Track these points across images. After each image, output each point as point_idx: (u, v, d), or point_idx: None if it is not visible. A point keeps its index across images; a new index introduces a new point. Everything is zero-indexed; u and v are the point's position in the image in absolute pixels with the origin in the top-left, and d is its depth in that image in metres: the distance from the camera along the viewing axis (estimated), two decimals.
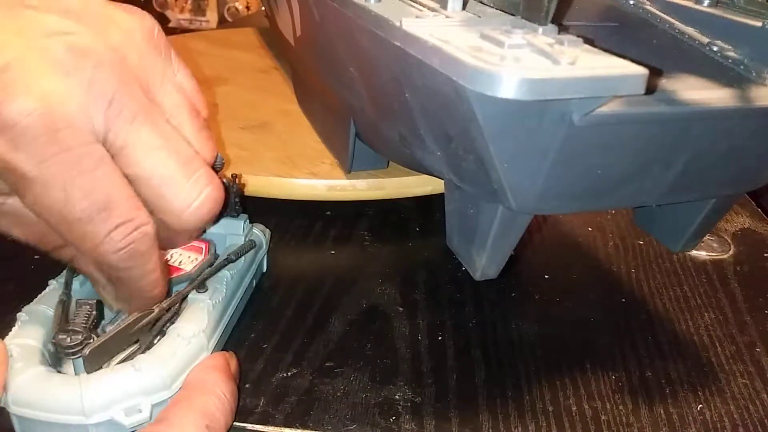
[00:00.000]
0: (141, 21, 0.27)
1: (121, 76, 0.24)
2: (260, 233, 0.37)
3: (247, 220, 0.35)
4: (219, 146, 0.44)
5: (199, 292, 0.30)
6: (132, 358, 0.27)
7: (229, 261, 0.32)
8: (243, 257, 0.33)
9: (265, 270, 0.38)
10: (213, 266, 0.32)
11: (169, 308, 0.29)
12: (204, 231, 0.34)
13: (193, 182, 0.25)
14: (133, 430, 0.26)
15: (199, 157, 0.26)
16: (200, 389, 0.26)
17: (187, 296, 0.30)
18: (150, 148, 0.25)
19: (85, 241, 0.24)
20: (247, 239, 0.35)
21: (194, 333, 0.28)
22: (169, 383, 0.26)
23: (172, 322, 0.29)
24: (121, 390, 0.25)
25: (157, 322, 0.29)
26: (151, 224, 0.25)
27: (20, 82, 0.22)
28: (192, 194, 0.25)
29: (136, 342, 0.28)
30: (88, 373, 0.26)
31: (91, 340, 0.26)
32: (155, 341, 0.28)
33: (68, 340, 0.26)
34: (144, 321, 0.28)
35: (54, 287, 0.30)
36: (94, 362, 0.26)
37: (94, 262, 0.26)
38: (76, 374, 0.26)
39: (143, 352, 0.27)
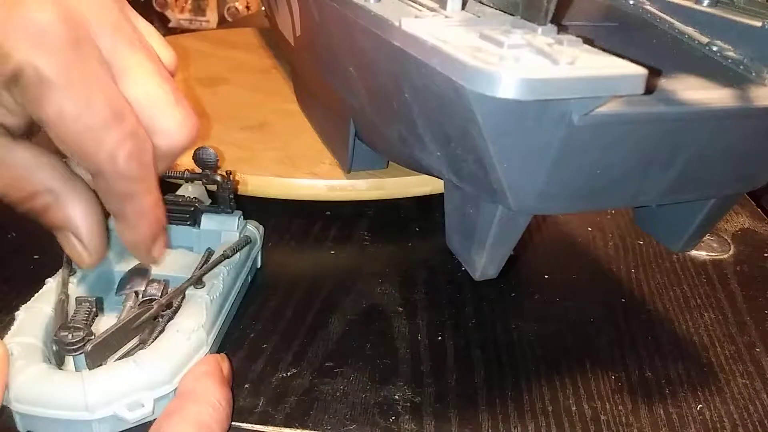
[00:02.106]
0: None
1: (119, 2, 0.27)
2: (254, 229, 0.37)
3: (241, 216, 0.36)
4: (218, 145, 0.44)
5: (196, 288, 0.30)
6: (131, 355, 0.27)
7: (225, 257, 0.33)
8: (238, 253, 0.34)
9: (259, 266, 0.38)
10: (210, 262, 0.32)
11: (168, 304, 0.29)
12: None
13: (181, 106, 0.28)
14: (136, 424, 0.26)
15: (177, 85, 0.29)
16: (193, 399, 0.26)
17: (184, 292, 0.30)
18: (148, 73, 0.27)
19: (100, 150, 0.25)
20: (241, 235, 0.35)
21: (194, 328, 0.28)
22: (170, 378, 0.27)
23: (171, 318, 0.29)
24: (124, 385, 0.26)
25: (156, 318, 0.29)
26: (149, 141, 0.27)
27: None
28: (180, 117, 0.28)
29: (135, 338, 0.28)
30: (90, 369, 0.26)
31: (92, 337, 0.27)
32: (155, 337, 0.28)
33: (70, 336, 0.26)
34: (144, 317, 0.28)
35: (50, 286, 0.30)
36: (96, 358, 0.26)
37: (106, 182, 0.27)
38: (77, 371, 0.27)
39: (144, 348, 0.27)
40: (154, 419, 0.26)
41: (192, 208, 0.35)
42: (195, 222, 0.35)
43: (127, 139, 0.26)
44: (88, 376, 0.25)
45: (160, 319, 0.29)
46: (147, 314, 0.28)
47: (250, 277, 0.36)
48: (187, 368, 0.27)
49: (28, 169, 0.27)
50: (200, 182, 0.36)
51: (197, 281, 0.31)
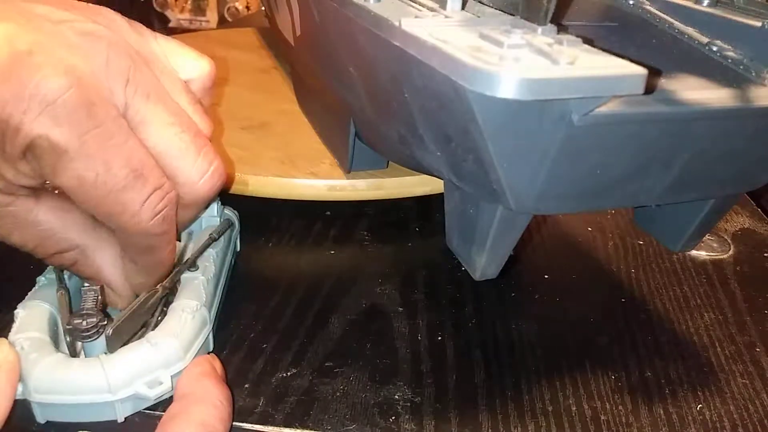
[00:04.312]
0: (112, 11, 0.28)
1: (131, 55, 0.26)
2: (232, 213, 0.38)
3: (220, 202, 0.37)
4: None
5: (191, 271, 0.32)
6: (135, 339, 0.28)
7: (212, 240, 0.34)
8: (222, 236, 0.35)
9: (239, 249, 0.39)
10: (200, 246, 0.33)
11: (172, 287, 0.31)
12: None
13: (203, 155, 0.27)
14: (156, 401, 0.27)
15: (202, 132, 0.28)
16: (195, 400, 0.26)
17: (180, 276, 0.31)
18: (166, 124, 0.26)
19: (124, 211, 0.25)
20: (221, 219, 0.36)
21: (196, 307, 0.30)
22: (182, 355, 0.28)
23: (172, 301, 0.30)
24: (142, 365, 0.27)
25: (162, 301, 0.30)
26: (174, 191, 0.27)
27: (48, 64, 0.23)
28: (203, 166, 0.27)
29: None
30: (111, 352, 0.27)
31: (105, 322, 0.27)
32: (160, 319, 0.29)
33: (84, 323, 0.27)
34: (152, 300, 0.29)
35: (44, 283, 0.30)
36: (115, 342, 0.27)
37: (128, 237, 0.27)
38: (86, 357, 0.28)
39: (152, 330, 0.28)
40: (172, 396, 0.27)
41: None
42: None
43: (151, 197, 0.25)
44: (106, 360, 0.26)
45: (164, 303, 0.31)
46: (155, 297, 0.29)
47: (233, 259, 0.38)
48: (197, 344, 0.29)
49: (52, 230, 0.27)
50: None
51: (192, 264, 0.32)
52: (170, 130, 0.26)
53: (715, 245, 0.43)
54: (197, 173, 0.27)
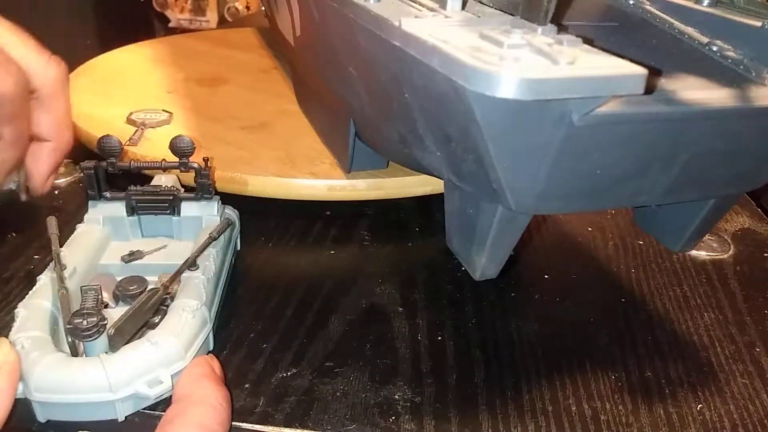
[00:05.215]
0: None
1: None
2: (232, 212, 0.38)
3: (220, 201, 0.37)
4: (218, 145, 0.44)
5: (191, 270, 0.32)
6: (135, 339, 0.28)
7: (212, 239, 0.34)
8: (222, 235, 0.35)
9: (239, 248, 0.39)
10: (200, 245, 0.33)
11: (169, 287, 0.31)
12: None
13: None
14: (156, 400, 0.27)
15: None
16: (194, 402, 0.26)
17: (180, 275, 0.31)
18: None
19: None
20: (222, 218, 0.36)
21: (196, 306, 0.30)
22: (183, 354, 0.28)
23: (172, 300, 0.30)
24: (142, 364, 0.27)
25: (163, 301, 0.30)
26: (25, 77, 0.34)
27: None
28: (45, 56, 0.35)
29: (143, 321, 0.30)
30: (113, 351, 0.27)
31: (105, 321, 0.27)
32: (161, 318, 0.29)
33: (84, 323, 0.27)
34: (153, 299, 0.29)
35: (44, 282, 0.30)
36: (117, 341, 0.27)
37: None
38: (87, 356, 0.28)
39: (153, 329, 0.28)
40: (170, 396, 0.27)
41: (171, 197, 0.36)
42: (174, 211, 0.36)
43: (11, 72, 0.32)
44: (107, 359, 0.26)
45: (166, 303, 0.31)
46: (156, 296, 0.29)
47: (233, 259, 0.38)
48: (197, 343, 0.29)
49: None
50: (172, 173, 0.36)
51: (192, 264, 0.32)
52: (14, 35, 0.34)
53: (715, 245, 0.43)
54: (47, 70, 0.35)
